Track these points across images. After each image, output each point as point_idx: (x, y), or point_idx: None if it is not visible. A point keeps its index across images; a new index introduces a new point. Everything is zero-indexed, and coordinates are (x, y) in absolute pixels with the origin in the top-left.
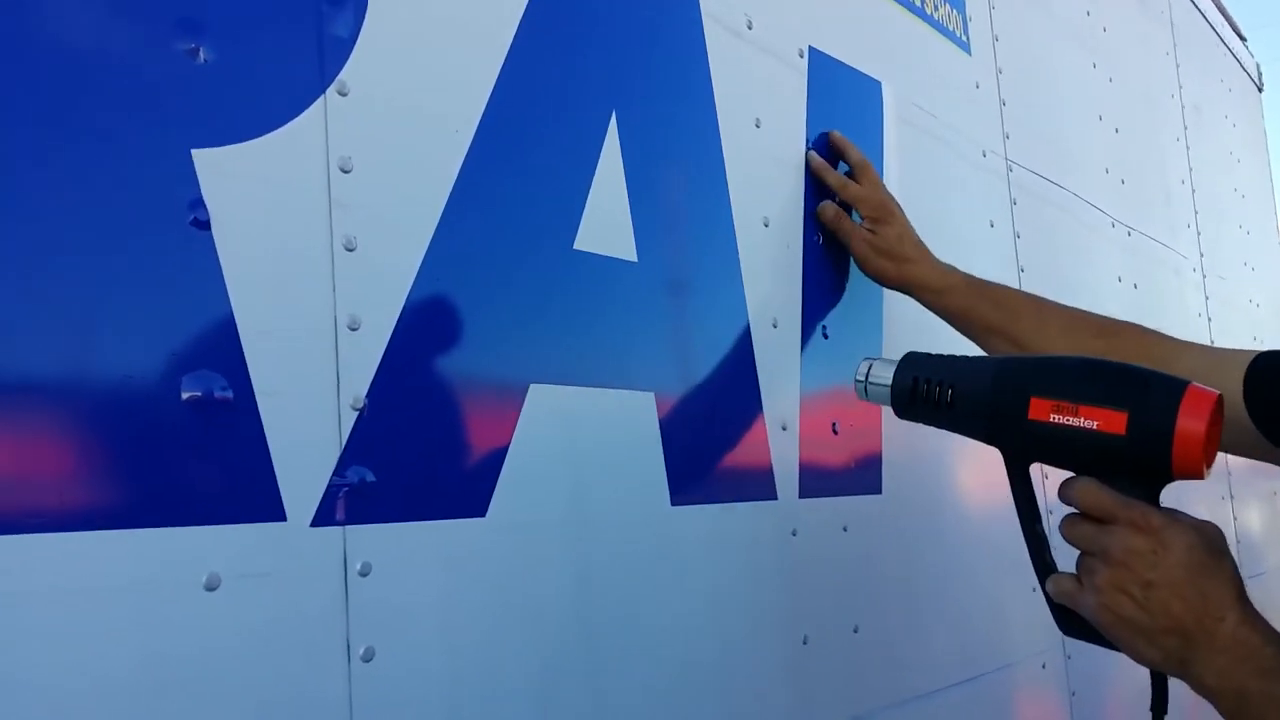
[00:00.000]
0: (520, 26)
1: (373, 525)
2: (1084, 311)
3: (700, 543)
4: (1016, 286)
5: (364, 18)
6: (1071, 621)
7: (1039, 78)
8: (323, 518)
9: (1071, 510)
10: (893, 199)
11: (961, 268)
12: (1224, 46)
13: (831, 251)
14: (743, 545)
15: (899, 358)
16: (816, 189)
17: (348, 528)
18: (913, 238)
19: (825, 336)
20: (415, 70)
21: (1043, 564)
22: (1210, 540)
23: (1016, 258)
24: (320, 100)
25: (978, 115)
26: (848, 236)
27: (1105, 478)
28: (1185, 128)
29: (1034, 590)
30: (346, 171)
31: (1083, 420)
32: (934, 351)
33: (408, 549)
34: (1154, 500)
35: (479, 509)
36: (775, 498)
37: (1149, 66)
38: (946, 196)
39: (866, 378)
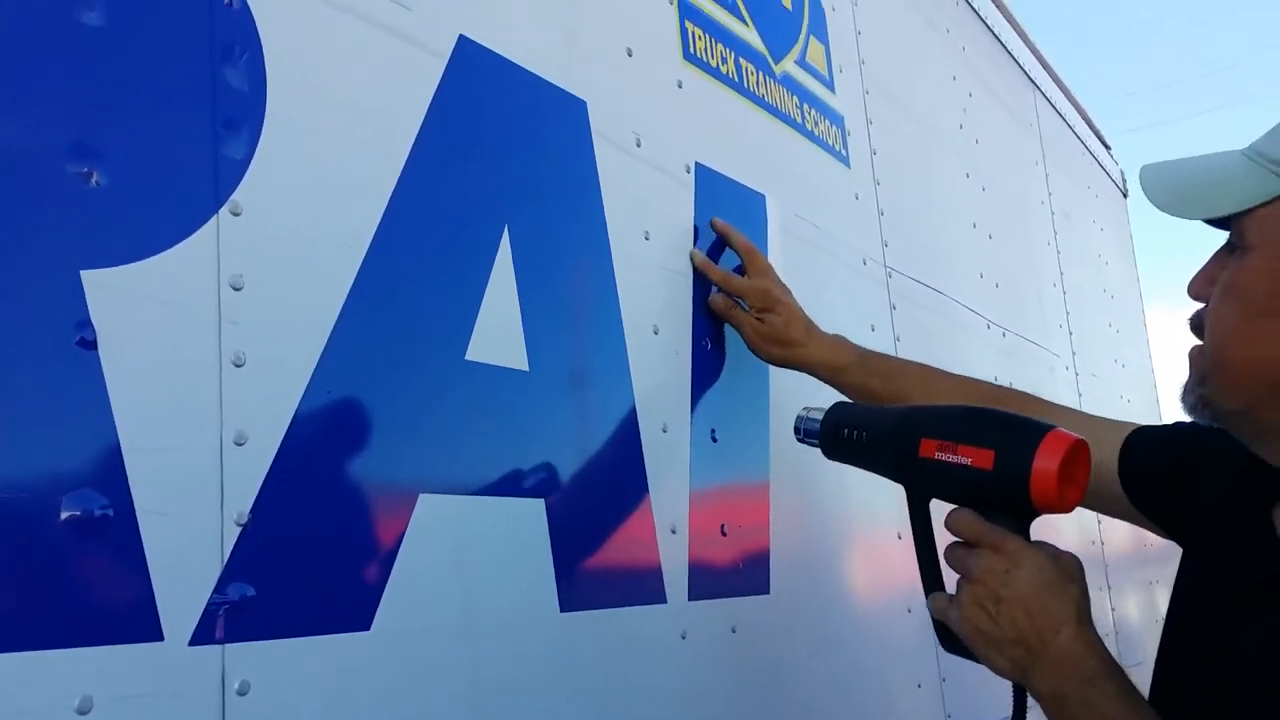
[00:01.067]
0: (415, 145)
1: (252, 643)
2: (973, 379)
3: (590, 648)
4: None
5: (259, 139)
6: (948, 638)
7: (915, 188)
8: (201, 636)
9: (955, 539)
10: (779, 283)
11: None
12: (1090, 155)
13: (719, 357)
14: (633, 649)
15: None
16: (705, 290)
17: (226, 646)
18: (801, 321)
19: (714, 439)
20: (310, 188)
21: (932, 585)
22: (1062, 565)
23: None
24: (213, 220)
25: (858, 225)
26: (738, 324)
27: (981, 510)
28: (1055, 232)
29: (919, 687)
30: (238, 289)
31: (960, 457)
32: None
33: (288, 666)
34: (1024, 532)
35: (364, 622)
36: (665, 601)
37: (1020, 175)
38: (830, 302)
39: (802, 425)
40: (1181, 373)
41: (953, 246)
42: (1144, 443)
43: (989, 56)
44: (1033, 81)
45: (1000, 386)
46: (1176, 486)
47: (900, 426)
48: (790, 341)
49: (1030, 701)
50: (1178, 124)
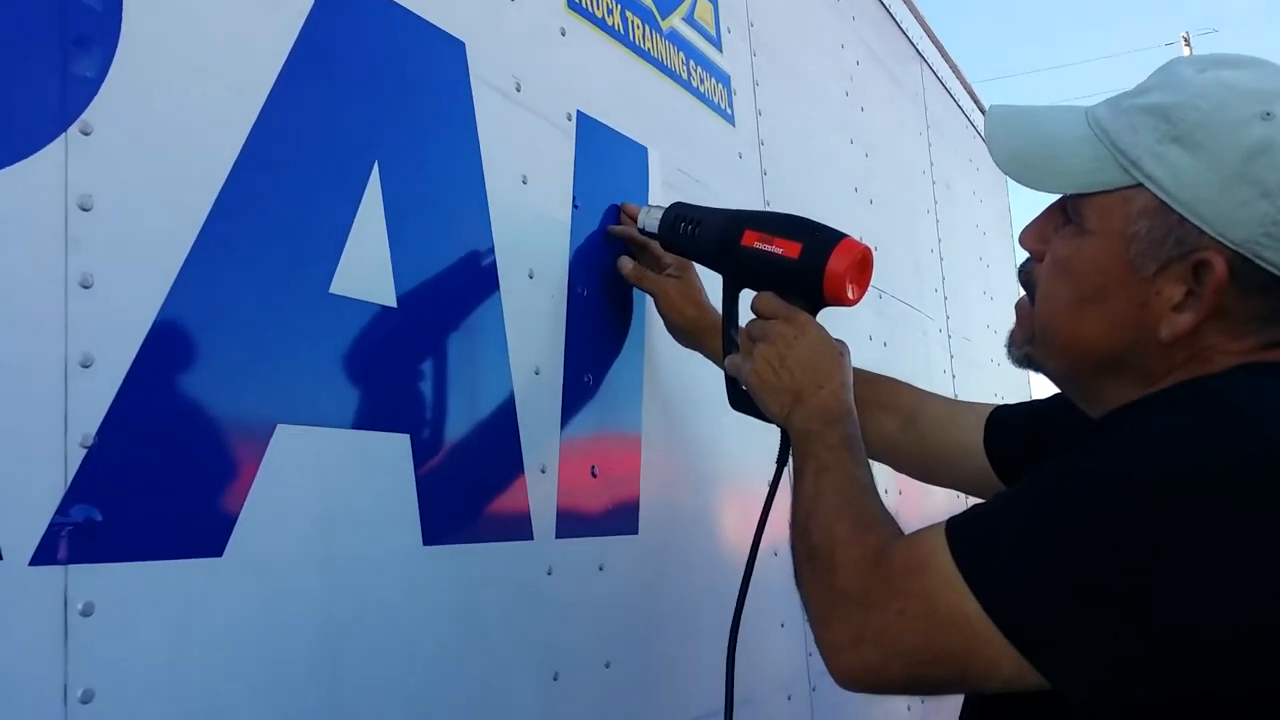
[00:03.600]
0: (282, 73)
1: (97, 565)
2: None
3: (453, 582)
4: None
5: (112, 58)
6: (738, 396)
7: (799, 151)
8: (43, 556)
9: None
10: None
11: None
12: (973, 128)
13: (595, 305)
14: (497, 584)
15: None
16: (583, 238)
17: (70, 567)
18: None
19: (587, 383)
20: (167, 111)
21: (729, 350)
22: (836, 344)
23: None
24: (61, 138)
25: (740, 183)
26: (653, 286)
27: (782, 295)
28: (936, 201)
29: (781, 627)
30: (86, 209)
31: (774, 248)
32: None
33: (134, 589)
34: (812, 313)
35: (216, 549)
36: (532, 537)
37: (903, 144)
38: None
39: (645, 218)
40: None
41: (834, 209)
42: (1005, 421)
43: (877, 26)
44: (919, 53)
45: (872, 372)
46: (1035, 459)
47: (730, 221)
48: (702, 305)
49: None
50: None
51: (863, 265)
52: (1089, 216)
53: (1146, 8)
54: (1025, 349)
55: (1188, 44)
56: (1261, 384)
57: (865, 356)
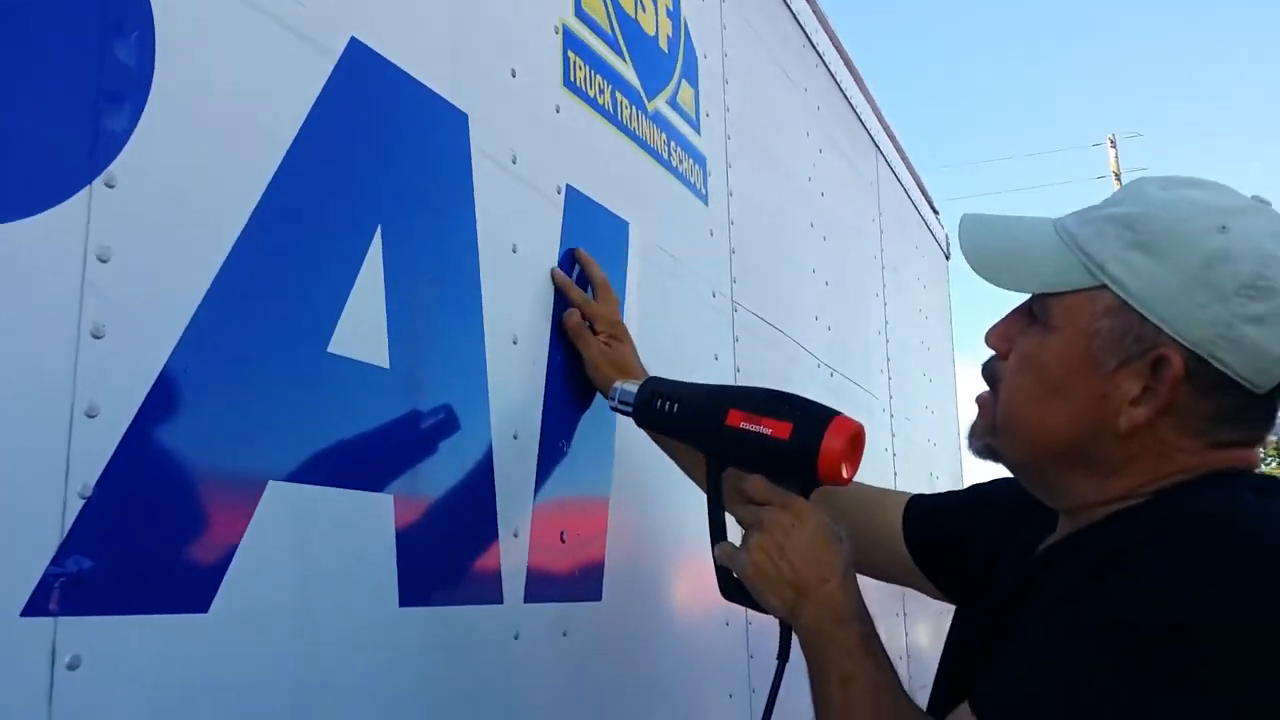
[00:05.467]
0: (297, 137)
1: (86, 617)
2: None
3: (426, 644)
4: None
5: (141, 114)
6: (730, 585)
7: (764, 231)
8: (35, 607)
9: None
10: (622, 322)
11: None
12: (920, 217)
13: (573, 372)
14: (467, 647)
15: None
16: (564, 307)
17: (60, 619)
18: (637, 359)
19: (563, 450)
20: (188, 169)
21: (718, 538)
22: (836, 529)
23: None
24: (86, 190)
25: (711, 260)
26: (585, 345)
27: (771, 476)
28: (884, 285)
29: (730, 696)
30: (104, 260)
31: (762, 428)
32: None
33: (121, 642)
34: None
35: (201, 604)
36: (501, 601)
37: (858, 229)
38: (679, 329)
39: (617, 394)
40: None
41: (793, 288)
42: (926, 509)
43: (839, 117)
44: (875, 144)
45: None
46: (954, 551)
47: (711, 399)
48: (628, 370)
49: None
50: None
51: (855, 443)
52: (1055, 314)
53: (1077, 110)
54: (986, 440)
55: (1113, 145)
56: (1237, 495)
57: None
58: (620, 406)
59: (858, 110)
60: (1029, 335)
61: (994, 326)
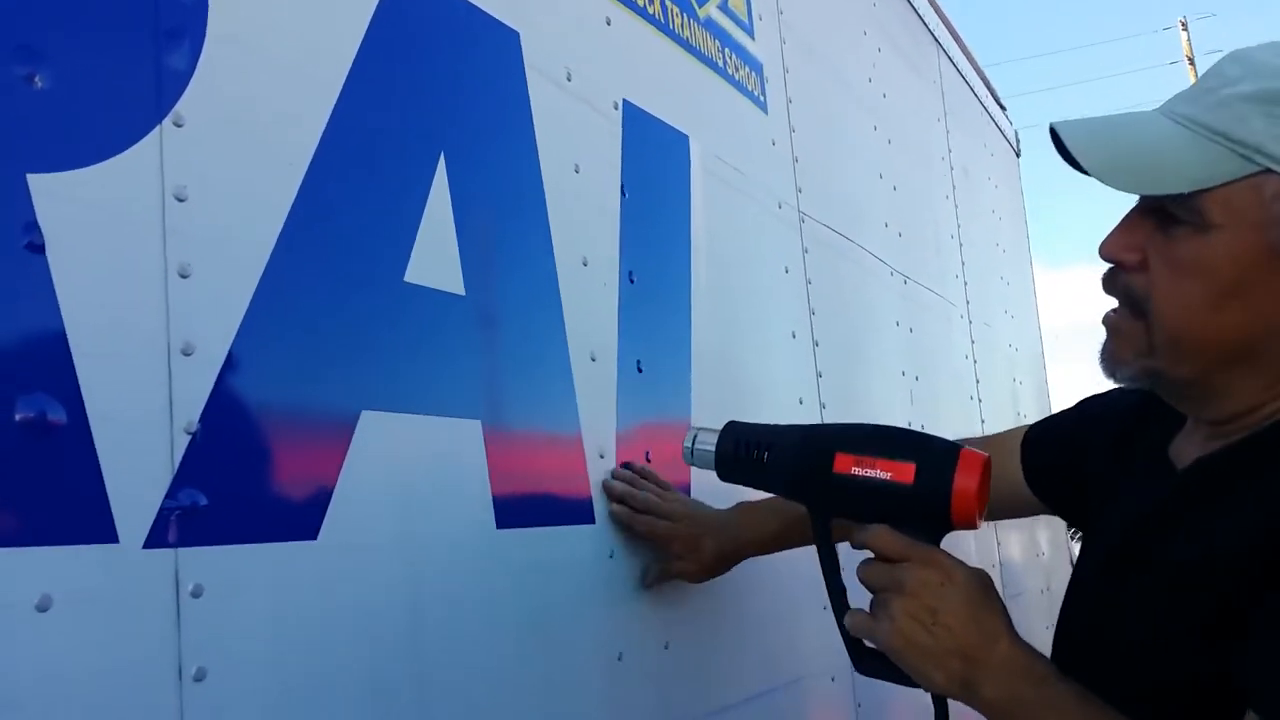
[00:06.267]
0: (353, 67)
1: (205, 548)
2: None
3: (523, 564)
4: (808, 331)
5: (200, 52)
6: (865, 658)
7: (827, 137)
8: (155, 540)
9: (866, 556)
10: (688, 505)
11: (760, 311)
12: (987, 114)
13: (644, 291)
14: (563, 567)
15: (720, 427)
16: (632, 225)
17: (180, 550)
18: (715, 531)
19: (639, 370)
20: (251, 104)
21: (841, 607)
22: (985, 579)
23: (808, 301)
24: (156, 130)
25: (774, 170)
26: (678, 575)
27: (894, 524)
28: (954, 187)
29: (824, 608)
30: (181, 200)
31: (879, 472)
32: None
33: (240, 571)
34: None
35: (310, 532)
36: (593, 521)
37: (923, 130)
38: (746, 244)
39: (693, 445)
40: (1094, 335)
41: (860, 195)
42: (1041, 441)
43: (897, 14)
44: (936, 40)
45: None
46: (1073, 476)
47: (810, 443)
48: (720, 558)
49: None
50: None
51: (987, 478)
52: (1213, 211)
53: None
54: (1145, 362)
55: (1185, 28)
56: None
57: (892, 343)
58: (699, 459)
59: (914, 4)
60: (1178, 240)
61: (1112, 237)
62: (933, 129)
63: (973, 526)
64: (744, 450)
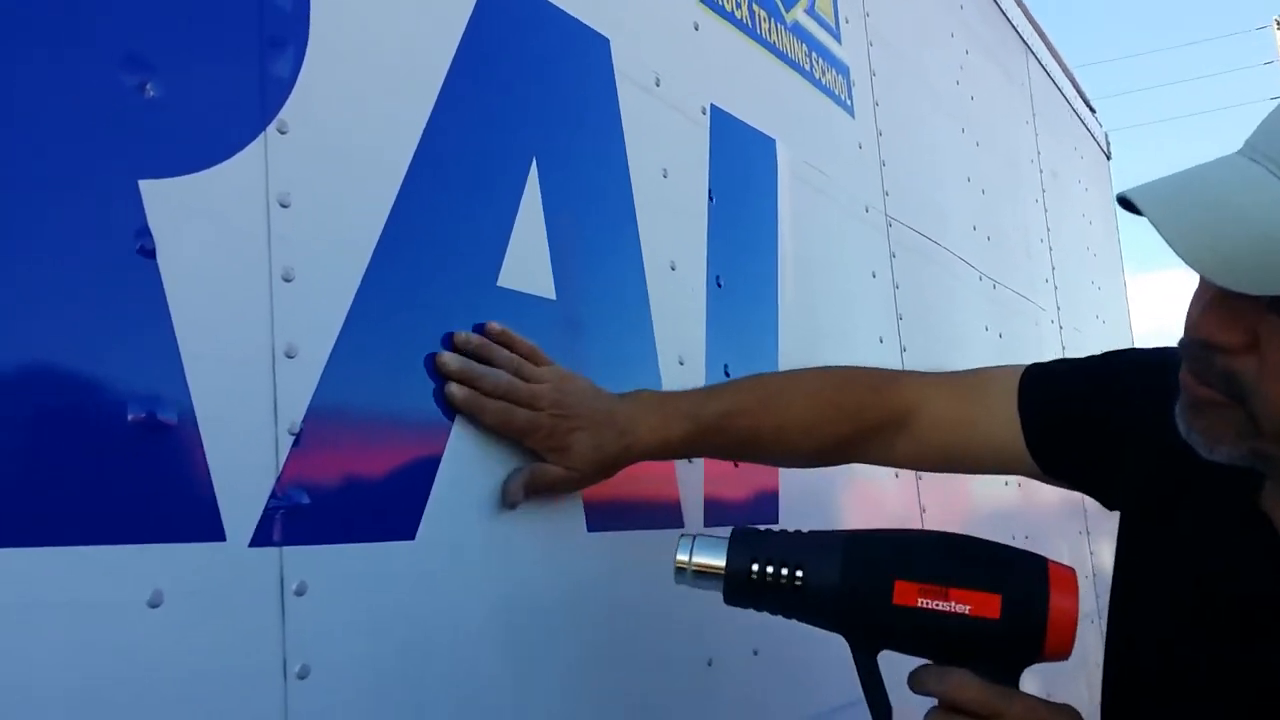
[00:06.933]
0: (449, 74)
1: (308, 546)
2: (813, 374)
3: (613, 568)
4: (895, 336)
5: (303, 60)
6: None
7: (914, 141)
8: (260, 538)
9: (933, 704)
10: (559, 385)
11: (846, 315)
12: (1076, 117)
13: (731, 295)
14: (652, 571)
15: (725, 535)
16: (719, 229)
17: (284, 548)
18: (594, 416)
19: (726, 374)
20: (351, 112)
21: None
22: (1069, 710)
23: (895, 306)
24: (261, 137)
25: (861, 174)
26: (541, 480)
27: (969, 664)
28: (1043, 190)
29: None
30: (285, 206)
31: (954, 604)
32: (767, 528)
33: (341, 569)
34: (1015, 685)
35: (409, 532)
36: (683, 526)
37: (1011, 133)
38: (833, 248)
39: (691, 559)
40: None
41: (948, 199)
42: (1052, 392)
43: (984, 16)
44: (1025, 42)
45: (855, 367)
46: (1096, 446)
47: (858, 564)
48: (600, 462)
49: None
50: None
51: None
52: None
53: None
54: (1254, 444)
55: None
56: None
57: (982, 348)
58: (699, 580)
59: (1002, 6)
60: None
61: (1209, 317)
62: (1021, 131)
63: (1066, 657)
64: (766, 569)
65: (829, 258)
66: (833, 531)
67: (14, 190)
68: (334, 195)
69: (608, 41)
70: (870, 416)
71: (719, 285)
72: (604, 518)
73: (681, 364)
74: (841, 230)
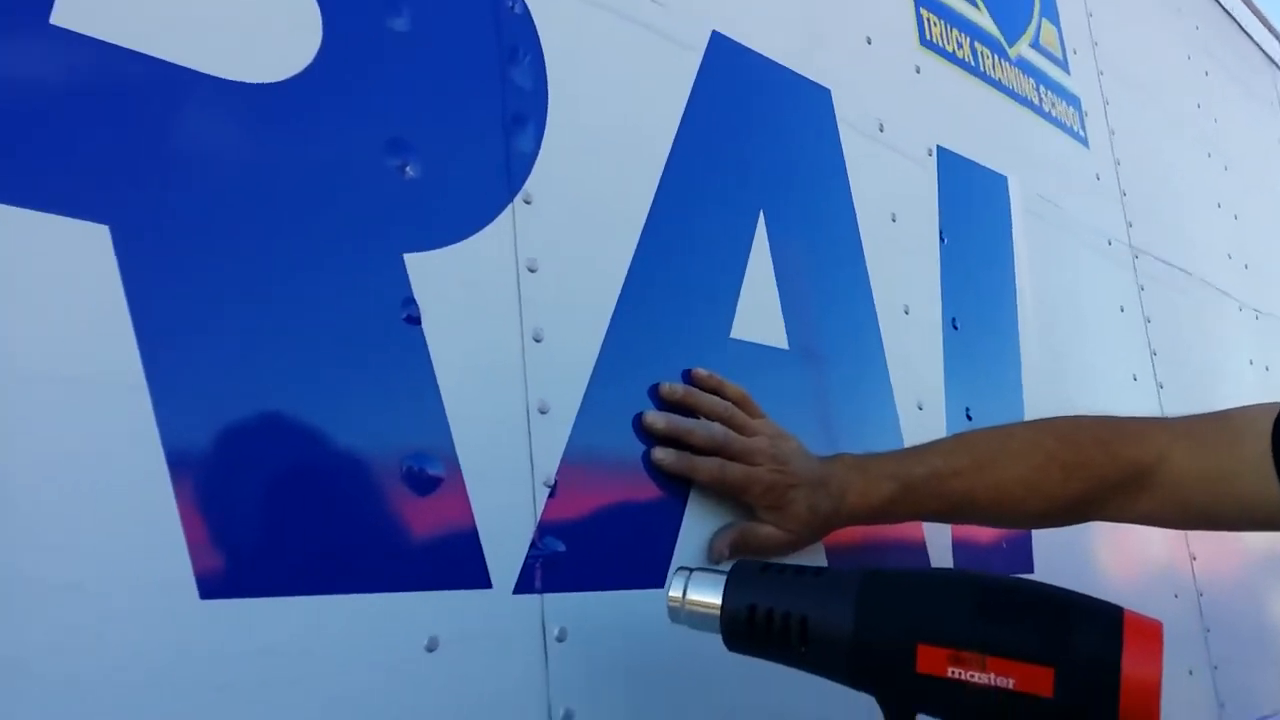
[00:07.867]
0: (676, 137)
1: (566, 594)
2: (1040, 428)
3: None
4: (1150, 373)
5: (543, 134)
6: None
7: (1156, 168)
8: (523, 585)
9: None
10: (775, 442)
11: (1095, 353)
12: None
13: (969, 335)
14: None
15: (721, 566)
16: (952, 270)
17: (545, 595)
18: (809, 475)
19: (969, 418)
20: (589, 179)
21: None
22: None
23: (1148, 341)
24: (509, 208)
25: (1100, 205)
26: (753, 539)
27: None
28: None
29: (1190, 674)
30: (533, 271)
31: (993, 678)
32: (772, 564)
33: (597, 616)
34: None
35: (658, 580)
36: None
37: (1262, 155)
38: (1076, 283)
39: (685, 596)
40: None
41: (1198, 226)
42: None
43: (1223, 35)
44: (1270, 59)
45: (1078, 418)
46: None
47: (873, 617)
48: (814, 525)
49: None
50: None
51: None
52: None
53: None
54: None
55: None
56: None
57: (1247, 384)
58: (694, 619)
59: (1241, 22)
60: None
61: None
62: (1273, 153)
63: None
64: (766, 616)
65: (1071, 294)
66: (848, 571)
67: (299, 270)
68: (577, 258)
69: (829, 92)
70: (1102, 474)
71: (955, 327)
72: (844, 559)
73: (920, 409)
74: (1083, 265)
